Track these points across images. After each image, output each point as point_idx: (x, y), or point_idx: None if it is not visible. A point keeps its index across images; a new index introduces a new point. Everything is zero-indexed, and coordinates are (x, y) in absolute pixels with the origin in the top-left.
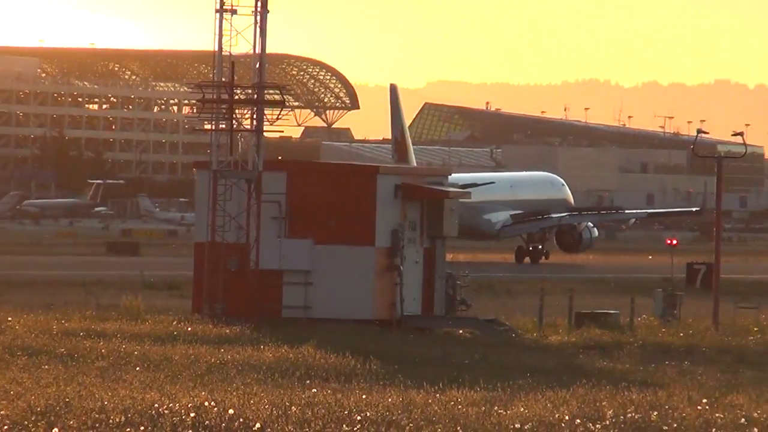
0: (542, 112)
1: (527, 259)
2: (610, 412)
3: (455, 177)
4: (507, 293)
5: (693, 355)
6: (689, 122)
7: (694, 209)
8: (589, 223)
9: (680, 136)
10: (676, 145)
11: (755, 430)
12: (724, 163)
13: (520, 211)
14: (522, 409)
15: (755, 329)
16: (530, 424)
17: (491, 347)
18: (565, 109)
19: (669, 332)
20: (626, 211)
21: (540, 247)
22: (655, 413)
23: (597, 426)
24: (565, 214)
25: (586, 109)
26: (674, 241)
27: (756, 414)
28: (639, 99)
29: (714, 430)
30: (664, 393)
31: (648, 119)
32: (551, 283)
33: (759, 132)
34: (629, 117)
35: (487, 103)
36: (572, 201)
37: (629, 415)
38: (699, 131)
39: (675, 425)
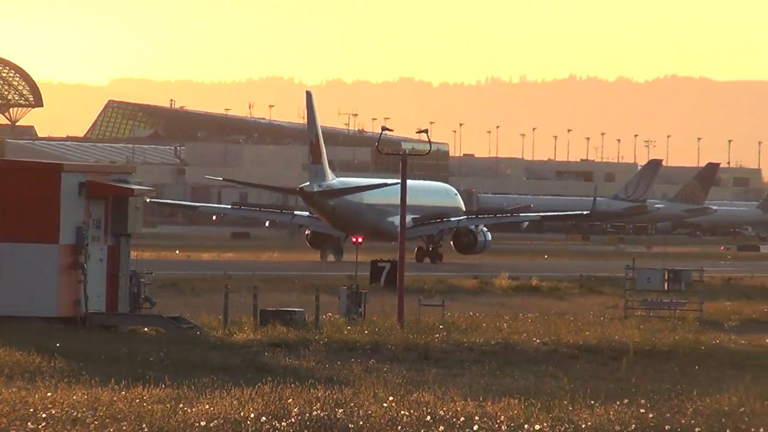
0: (226, 109)
1: (427, 259)
2: (295, 410)
3: (361, 181)
4: (191, 291)
5: (379, 353)
6: (374, 120)
7: (584, 212)
8: (484, 227)
9: (364, 134)
10: (361, 143)
11: (441, 428)
12: (409, 161)
13: (419, 216)
14: (207, 407)
15: (440, 326)
16: (216, 421)
17: (176, 345)
18: (249, 107)
19: (354, 330)
20: (521, 215)
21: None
22: (341, 410)
23: (283, 424)
24: (463, 217)
25: (271, 106)
26: (359, 240)
27: (442, 411)
28: (323, 96)
29: (400, 427)
30: (350, 390)
31: (332, 117)
32: (236, 281)
33: (443, 129)
34: None
35: (172, 100)
36: (464, 209)
37: (315, 412)
38: (383, 129)
39: (360, 423)
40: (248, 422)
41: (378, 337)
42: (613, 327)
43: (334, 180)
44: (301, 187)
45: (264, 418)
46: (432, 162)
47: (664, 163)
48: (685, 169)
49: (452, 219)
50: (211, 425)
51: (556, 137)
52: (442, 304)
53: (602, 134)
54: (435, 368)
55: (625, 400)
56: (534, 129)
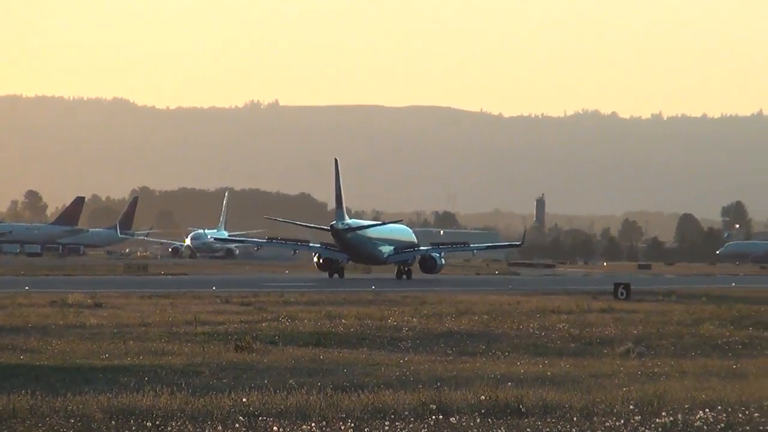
0: None
1: (404, 276)
2: None
3: (364, 222)
4: None
5: None
6: None
7: (517, 243)
8: (441, 254)
9: None
10: None
11: None
12: None
13: (395, 247)
14: None
15: None
16: None
17: None
18: None
19: None
20: (471, 245)
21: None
22: None
23: None
24: (429, 247)
25: None
26: None
27: None
28: None
29: None
30: None
31: None
32: None
33: None
34: None
35: None
36: (417, 242)
37: None
38: None
39: None
40: None
41: None
42: None
43: (349, 220)
44: (332, 224)
45: None
46: None
47: None
48: None
49: (422, 248)
50: None
51: None
52: None
53: None
54: None
55: None
56: None
